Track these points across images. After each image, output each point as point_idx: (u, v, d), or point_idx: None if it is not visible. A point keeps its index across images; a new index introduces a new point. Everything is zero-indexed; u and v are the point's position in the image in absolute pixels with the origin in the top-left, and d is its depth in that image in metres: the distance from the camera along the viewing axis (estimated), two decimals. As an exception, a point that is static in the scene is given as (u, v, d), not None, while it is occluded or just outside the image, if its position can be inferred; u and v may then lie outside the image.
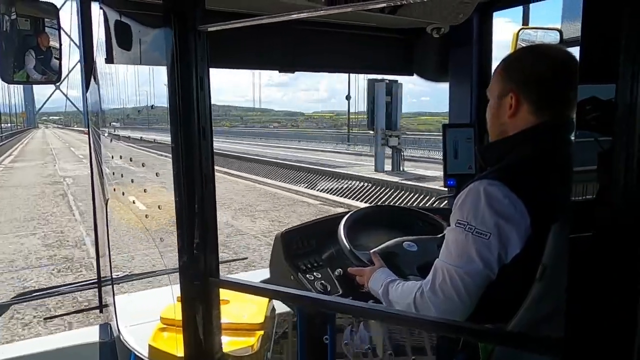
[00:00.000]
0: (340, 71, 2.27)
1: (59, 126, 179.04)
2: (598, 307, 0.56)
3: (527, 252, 1.14)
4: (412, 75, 2.43)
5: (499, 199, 1.17)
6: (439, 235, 1.91)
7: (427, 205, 10.94)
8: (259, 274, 2.02)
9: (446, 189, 2.39)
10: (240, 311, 1.59)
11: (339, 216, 1.98)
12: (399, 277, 1.53)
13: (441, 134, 2.24)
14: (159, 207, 1.29)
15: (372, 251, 1.72)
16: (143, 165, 1.34)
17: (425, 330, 1.66)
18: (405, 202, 13.49)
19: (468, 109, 2.25)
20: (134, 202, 1.36)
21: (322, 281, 1.81)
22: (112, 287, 1.76)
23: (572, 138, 1.13)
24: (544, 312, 1.04)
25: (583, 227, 0.55)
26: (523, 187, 1.18)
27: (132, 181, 1.38)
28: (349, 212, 1.98)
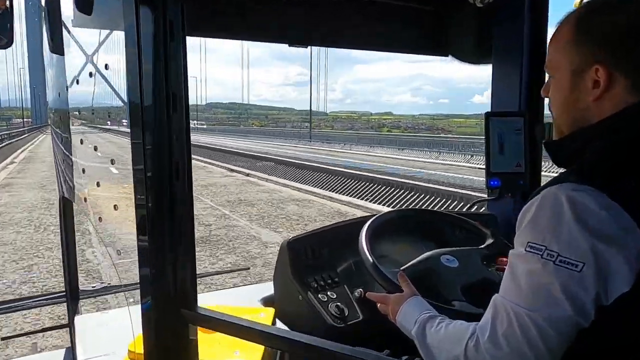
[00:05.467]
0: (360, 47, 1.92)
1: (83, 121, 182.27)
2: None
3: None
4: (447, 55, 2.06)
5: (593, 211, 0.80)
6: (482, 246, 1.55)
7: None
8: (262, 289, 1.69)
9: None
10: (231, 346, 1.25)
11: (359, 221, 1.63)
12: (438, 307, 1.17)
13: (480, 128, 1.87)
14: (114, 207, 0.97)
15: (400, 269, 1.37)
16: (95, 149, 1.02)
17: None
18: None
19: (517, 95, 1.87)
20: (85, 200, 1.04)
21: (338, 303, 1.46)
22: (69, 304, 1.44)
23: None
24: None
25: None
26: (627, 193, 0.81)
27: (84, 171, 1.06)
28: (370, 216, 1.62)
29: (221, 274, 2.57)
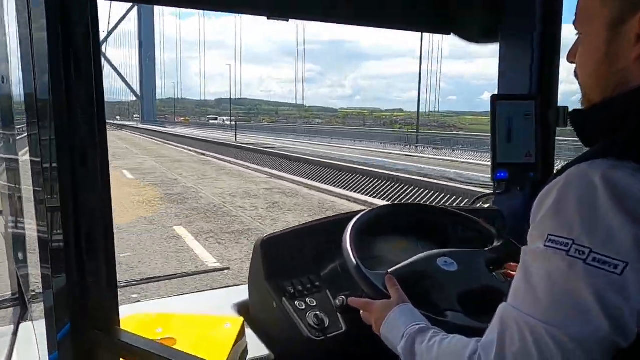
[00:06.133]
0: (352, 23, 1.71)
1: None
2: None
3: None
4: (449, 33, 1.85)
5: (637, 194, 0.60)
6: (488, 248, 1.35)
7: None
8: (238, 293, 1.50)
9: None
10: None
11: (348, 217, 1.43)
12: (431, 319, 0.98)
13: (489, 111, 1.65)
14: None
15: (389, 271, 1.17)
16: None
17: None
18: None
19: (527, 76, 1.66)
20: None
21: (317, 312, 1.27)
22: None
23: None
24: None
25: None
26: None
27: None
28: (360, 211, 1.42)
29: (197, 274, 2.37)
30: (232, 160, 21.44)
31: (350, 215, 1.42)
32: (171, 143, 35.21)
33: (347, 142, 33.88)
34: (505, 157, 1.65)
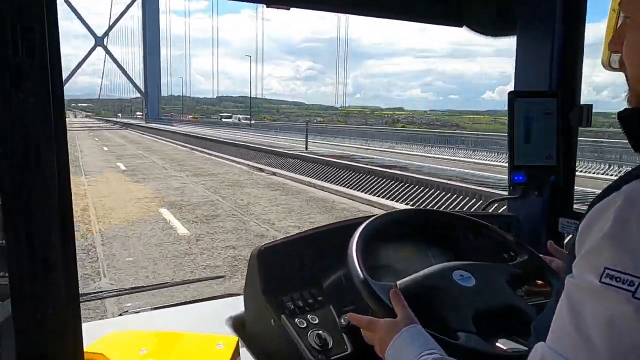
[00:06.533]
0: (357, 13, 1.58)
1: (89, 113, 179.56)
2: None
3: None
4: (461, 26, 1.72)
5: None
6: (512, 263, 1.22)
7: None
8: (235, 304, 1.38)
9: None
10: None
11: (353, 223, 1.31)
12: (439, 340, 0.86)
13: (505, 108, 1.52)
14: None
15: (398, 283, 1.05)
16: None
17: None
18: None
19: (546, 72, 1.53)
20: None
21: (320, 330, 1.14)
22: None
23: None
24: None
25: None
26: None
27: None
28: (368, 217, 1.29)
29: (190, 283, 2.22)
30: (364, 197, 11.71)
31: (354, 222, 1.30)
32: (198, 149, 26.08)
33: (379, 143, 28.58)
34: (524, 159, 1.52)
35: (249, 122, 65.14)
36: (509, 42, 1.68)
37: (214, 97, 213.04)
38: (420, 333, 0.87)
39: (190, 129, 49.17)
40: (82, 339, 0.60)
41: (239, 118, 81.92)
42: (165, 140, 35.08)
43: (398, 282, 1.07)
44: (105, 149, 28.52)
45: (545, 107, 1.51)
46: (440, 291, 1.08)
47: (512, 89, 1.59)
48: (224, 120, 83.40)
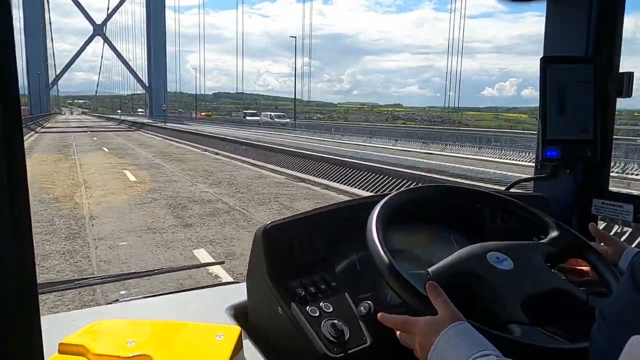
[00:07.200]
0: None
1: (86, 110, 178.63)
2: None
3: None
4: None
5: None
6: (545, 240, 1.08)
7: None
8: (237, 291, 1.23)
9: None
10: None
11: (366, 202, 1.16)
12: (489, 335, 0.72)
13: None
14: None
15: (429, 273, 0.91)
16: None
17: None
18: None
19: (583, 35, 1.38)
20: None
21: (335, 320, 0.99)
22: None
23: None
24: None
25: None
26: None
27: None
28: (382, 195, 1.14)
29: (194, 268, 2.08)
30: None
31: (369, 200, 1.15)
32: (284, 171, 14.46)
33: (409, 144, 25.54)
34: (557, 132, 1.37)
35: (285, 120, 54.94)
36: (507, 39, 1.52)
37: (210, 94, 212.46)
38: (468, 330, 0.74)
39: (224, 130, 38.06)
40: (40, 335, 0.47)
41: (271, 116, 65.58)
42: (221, 155, 19.92)
43: (429, 270, 0.92)
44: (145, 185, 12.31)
45: (581, 74, 1.36)
46: (476, 278, 0.93)
47: (543, 55, 1.44)
48: (247, 118, 68.81)
